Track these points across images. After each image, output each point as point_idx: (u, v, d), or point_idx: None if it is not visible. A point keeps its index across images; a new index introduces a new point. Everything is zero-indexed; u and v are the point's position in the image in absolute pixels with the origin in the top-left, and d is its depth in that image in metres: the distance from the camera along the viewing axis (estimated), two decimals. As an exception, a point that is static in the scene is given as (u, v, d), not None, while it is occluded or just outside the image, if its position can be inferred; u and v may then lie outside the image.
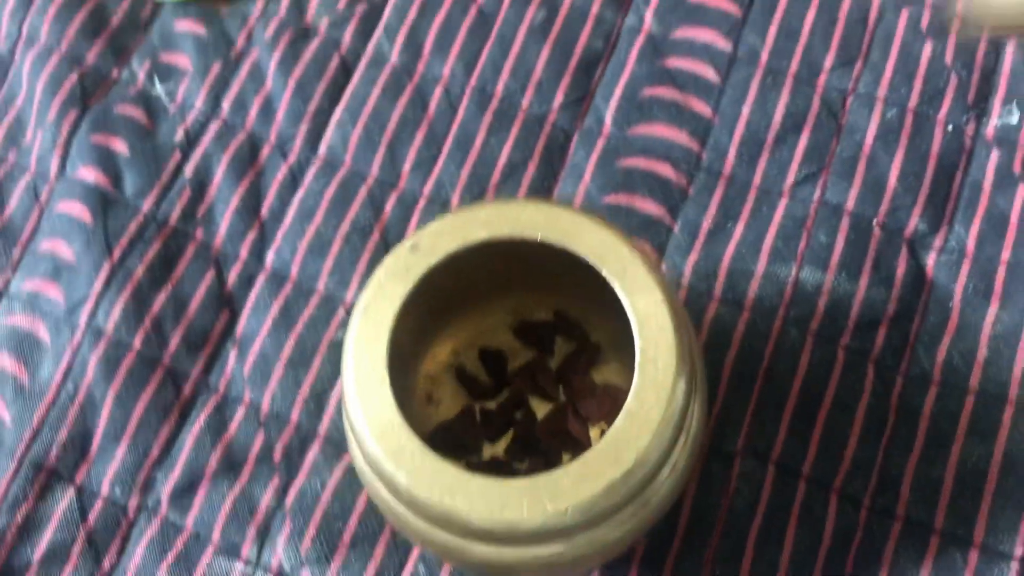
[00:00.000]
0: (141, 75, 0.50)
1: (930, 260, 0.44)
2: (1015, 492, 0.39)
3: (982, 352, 0.42)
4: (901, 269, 0.44)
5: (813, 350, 0.42)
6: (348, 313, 0.45)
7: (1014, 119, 0.46)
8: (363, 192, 0.47)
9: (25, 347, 0.45)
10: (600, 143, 0.47)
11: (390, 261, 0.33)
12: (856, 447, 0.41)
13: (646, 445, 0.31)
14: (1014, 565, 0.38)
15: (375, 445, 0.31)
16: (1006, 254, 0.43)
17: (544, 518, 0.30)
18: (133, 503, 0.42)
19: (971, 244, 0.44)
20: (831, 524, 0.40)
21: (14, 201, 0.48)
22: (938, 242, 0.44)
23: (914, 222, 0.44)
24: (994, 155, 0.45)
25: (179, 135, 0.49)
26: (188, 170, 0.48)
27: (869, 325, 0.43)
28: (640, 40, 0.48)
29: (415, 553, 0.41)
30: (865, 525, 0.40)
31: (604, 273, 0.33)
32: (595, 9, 0.49)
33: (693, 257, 0.44)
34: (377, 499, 0.34)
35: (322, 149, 0.48)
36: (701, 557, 0.40)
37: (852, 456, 0.41)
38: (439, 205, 0.46)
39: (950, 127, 0.46)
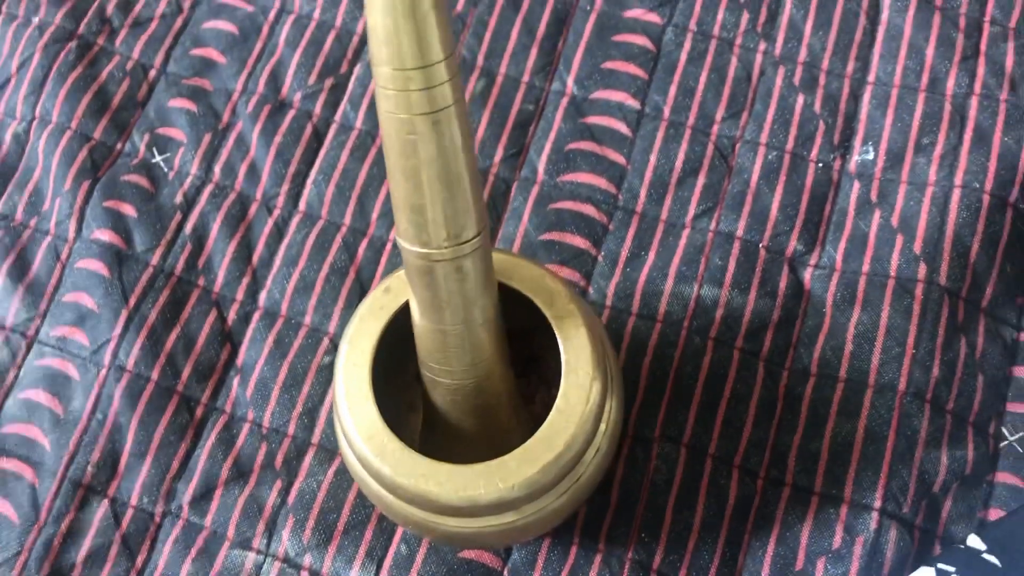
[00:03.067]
0: (142, 147, 0.59)
1: (807, 275, 0.54)
2: (875, 458, 0.49)
3: (848, 348, 0.51)
4: (783, 283, 0.53)
5: (713, 353, 0.52)
6: (332, 342, 0.53)
7: (870, 156, 0.56)
8: (338, 240, 0.56)
9: (58, 384, 0.53)
10: (535, 190, 0.56)
11: (368, 301, 0.43)
12: (751, 430, 0.51)
13: (572, 433, 0.40)
14: (874, 514, 0.48)
15: (363, 446, 0.40)
16: (866, 267, 0.53)
17: (498, 493, 0.39)
18: (159, 509, 0.51)
19: (839, 260, 0.54)
20: (734, 492, 0.50)
21: (38, 261, 0.56)
22: (813, 260, 0.54)
23: (793, 244, 0.54)
24: (855, 186, 0.55)
25: (179, 198, 0.57)
26: (188, 227, 0.56)
27: (758, 330, 0.52)
28: (564, 102, 0.58)
29: (398, 536, 0.49)
30: (761, 492, 0.50)
31: (536, 302, 0.42)
32: (525, 78, 0.59)
33: (614, 281, 0.54)
34: (366, 489, 0.43)
35: (302, 204, 0.57)
36: (630, 523, 0.49)
37: (748, 437, 0.50)
38: (403, 248, 0.55)
39: (820, 165, 0.56)
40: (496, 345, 0.41)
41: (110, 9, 0.62)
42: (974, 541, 0.42)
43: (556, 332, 0.41)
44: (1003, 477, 0.49)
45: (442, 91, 0.32)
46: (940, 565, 0.43)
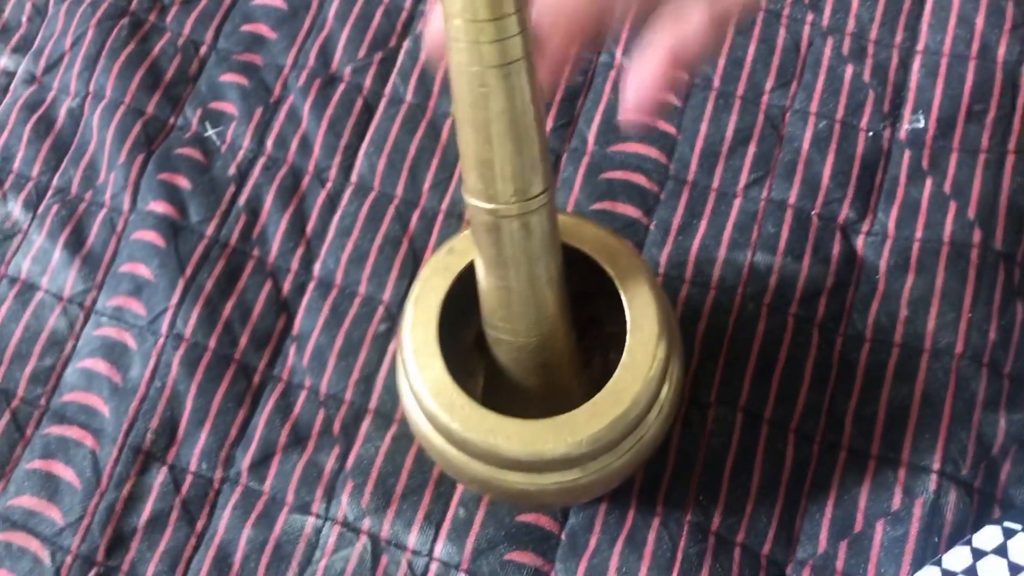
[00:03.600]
0: (194, 121, 0.59)
1: (859, 241, 0.54)
2: (931, 421, 0.49)
3: (903, 313, 0.52)
4: (836, 250, 0.53)
5: (768, 319, 0.52)
6: (387, 311, 0.54)
7: (921, 124, 0.56)
8: (391, 210, 0.56)
9: (115, 353, 0.54)
10: (585, 160, 0.56)
11: (432, 262, 0.43)
12: (807, 395, 0.51)
13: (639, 390, 0.40)
14: (933, 476, 0.48)
15: (432, 402, 0.40)
16: (919, 233, 0.53)
17: (565, 448, 0.39)
18: (218, 475, 0.51)
19: (891, 227, 0.54)
20: (790, 457, 0.50)
21: (93, 233, 0.57)
22: (865, 227, 0.54)
23: (845, 211, 0.54)
24: (907, 154, 0.55)
25: (232, 170, 0.58)
26: (242, 199, 0.57)
27: (812, 296, 0.52)
28: (613, 73, 0.58)
29: (456, 499, 0.50)
30: (818, 456, 0.50)
31: (599, 261, 0.42)
32: (575, 49, 0.59)
33: (667, 250, 0.54)
34: (429, 446, 0.43)
35: (354, 176, 0.57)
36: (687, 487, 0.49)
37: (804, 402, 0.51)
38: (455, 218, 0.56)
39: (871, 133, 0.56)
40: (560, 304, 0.42)
41: (161, -14, 0.63)
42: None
43: (620, 290, 0.42)
44: (1061, 441, 0.49)
45: (514, 44, 0.33)
46: (1007, 523, 0.43)
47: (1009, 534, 0.42)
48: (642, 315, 0.41)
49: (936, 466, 0.48)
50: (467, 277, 0.43)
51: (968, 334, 0.50)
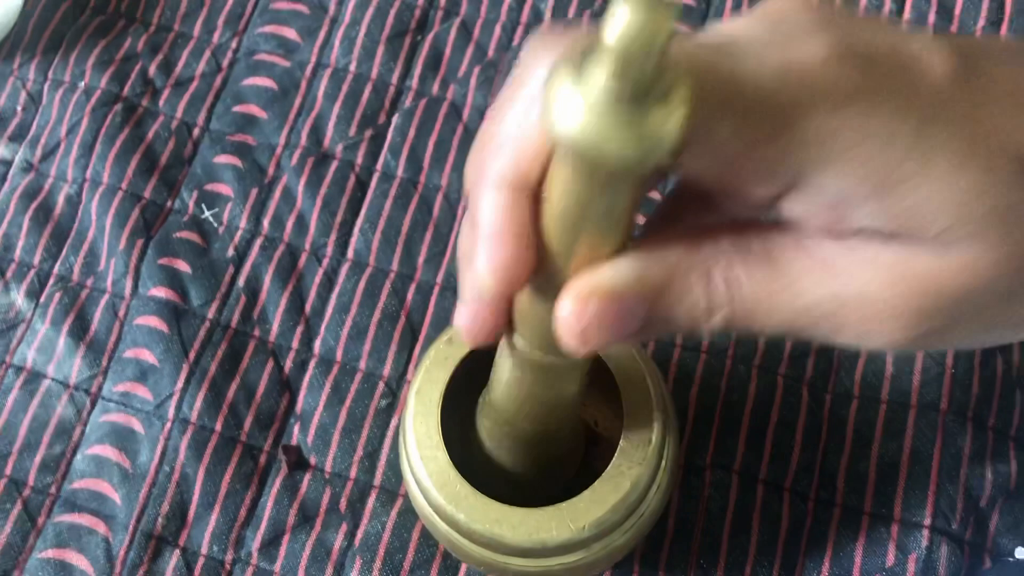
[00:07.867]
0: (191, 204, 0.61)
1: (844, 299, 0.55)
2: (921, 476, 0.50)
3: (888, 370, 0.53)
4: (822, 308, 0.55)
5: (758, 380, 0.53)
6: (387, 385, 0.55)
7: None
8: (387, 285, 0.58)
9: (123, 438, 0.55)
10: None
11: (433, 352, 0.44)
12: (800, 453, 0.52)
13: (637, 474, 0.41)
14: (925, 532, 0.49)
15: (437, 495, 0.42)
16: (901, 290, 0.55)
17: (569, 535, 0.41)
18: (228, 557, 0.53)
19: (874, 283, 0.55)
20: (786, 516, 0.51)
21: (96, 319, 0.58)
22: (849, 284, 0.56)
23: (828, 270, 0.56)
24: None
25: (230, 252, 0.59)
26: (241, 280, 0.58)
27: (801, 357, 0.54)
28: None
29: (462, 573, 0.51)
30: (813, 513, 0.51)
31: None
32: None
33: (658, 314, 0.56)
34: (435, 532, 0.44)
35: (350, 253, 0.59)
36: (688, 551, 0.51)
37: (797, 461, 0.52)
38: (451, 291, 0.57)
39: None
40: (576, 404, 0.42)
41: (152, 70, 0.64)
42: (1022, 553, 0.44)
43: (614, 371, 0.43)
44: (1047, 489, 0.51)
45: None
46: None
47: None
48: (636, 397, 0.43)
49: (927, 521, 0.50)
50: (467, 363, 0.44)
51: (952, 390, 0.52)
